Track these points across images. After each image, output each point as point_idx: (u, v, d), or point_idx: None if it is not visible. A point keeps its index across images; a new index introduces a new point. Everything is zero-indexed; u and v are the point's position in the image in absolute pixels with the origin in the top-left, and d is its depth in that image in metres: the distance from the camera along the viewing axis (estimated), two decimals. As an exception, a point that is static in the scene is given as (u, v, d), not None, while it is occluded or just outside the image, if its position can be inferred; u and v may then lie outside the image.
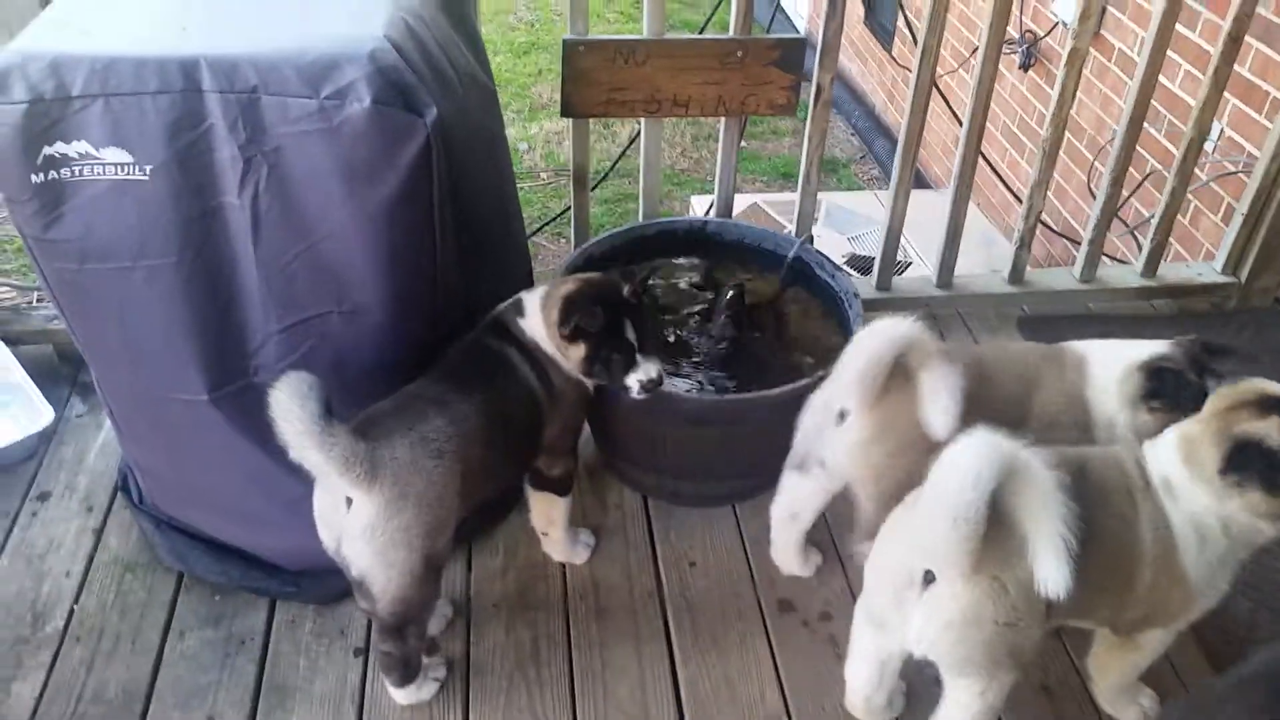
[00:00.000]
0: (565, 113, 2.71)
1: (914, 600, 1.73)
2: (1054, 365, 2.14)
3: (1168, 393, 2.02)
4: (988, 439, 1.58)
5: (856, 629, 2.01)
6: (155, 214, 1.91)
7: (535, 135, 6.55)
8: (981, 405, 1.92)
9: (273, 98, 1.82)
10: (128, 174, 1.88)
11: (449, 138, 1.93)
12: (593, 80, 2.66)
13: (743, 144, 6.75)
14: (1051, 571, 1.59)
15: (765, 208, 4.85)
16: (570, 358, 2.15)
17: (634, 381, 2.15)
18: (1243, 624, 2.35)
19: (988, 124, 5.33)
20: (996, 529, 1.62)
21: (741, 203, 5.03)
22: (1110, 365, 2.11)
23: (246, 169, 1.88)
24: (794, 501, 2.32)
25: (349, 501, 1.89)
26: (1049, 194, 4.80)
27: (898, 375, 1.96)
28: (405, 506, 1.88)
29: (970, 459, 1.57)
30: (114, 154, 1.87)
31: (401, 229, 1.93)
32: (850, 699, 2.13)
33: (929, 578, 1.70)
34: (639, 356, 2.14)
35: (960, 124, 2.98)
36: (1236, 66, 3.48)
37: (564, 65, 2.61)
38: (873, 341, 1.94)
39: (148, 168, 1.87)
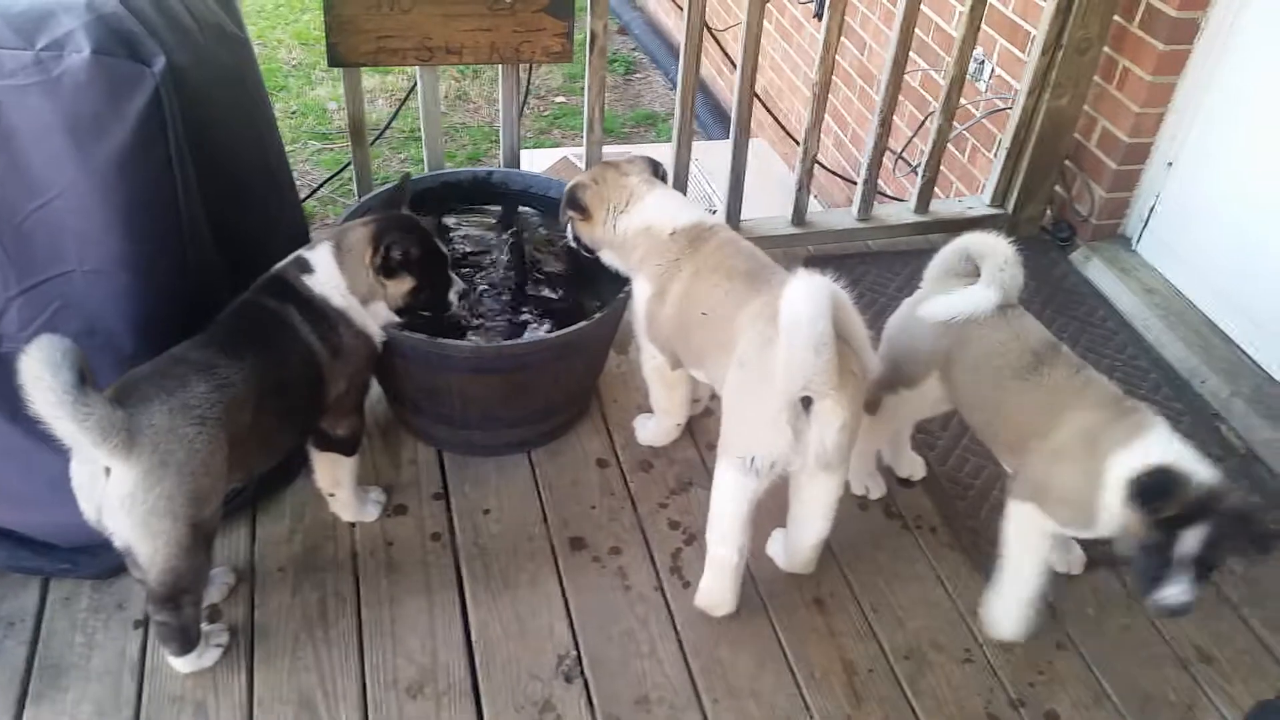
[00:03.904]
0: (332, 62, 2.66)
1: (805, 424, 1.97)
2: None
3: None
4: (813, 280, 1.85)
5: (728, 487, 2.13)
6: None
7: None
8: None
9: (-19, 50, 1.73)
10: None
11: (188, 87, 1.88)
12: (358, 28, 2.60)
13: (562, 99, 6.81)
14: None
15: (575, 160, 4.86)
16: (392, 295, 2.19)
17: (454, 295, 2.29)
18: (975, 478, 2.63)
19: (791, 76, 5.54)
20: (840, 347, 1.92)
21: (554, 156, 5.03)
22: None
23: (-37, 126, 1.79)
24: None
25: (107, 471, 1.83)
26: (847, 142, 5.02)
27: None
28: (166, 475, 1.83)
29: (811, 299, 1.83)
30: None
31: (136, 183, 1.87)
32: (722, 555, 2.21)
33: (807, 403, 1.95)
34: (451, 272, 2.28)
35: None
36: (1001, 7, 3.69)
37: (326, 13, 2.55)
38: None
39: None
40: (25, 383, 1.67)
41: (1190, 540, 1.82)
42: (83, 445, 1.76)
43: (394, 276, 2.17)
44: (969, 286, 2.21)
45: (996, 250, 2.20)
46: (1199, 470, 1.88)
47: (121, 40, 1.76)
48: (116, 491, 1.83)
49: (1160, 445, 1.94)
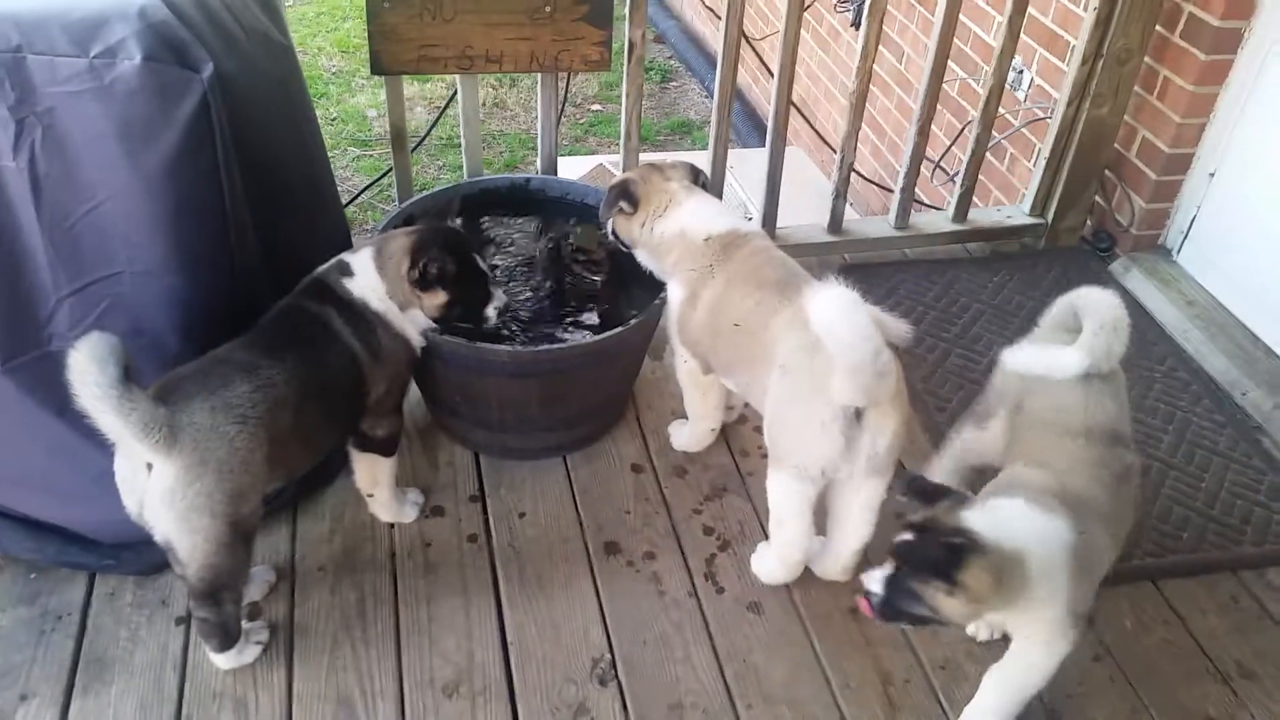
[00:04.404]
0: (375, 70, 2.70)
1: (856, 431, 2.02)
2: None
3: None
4: (843, 296, 1.87)
5: (789, 497, 2.19)
6: (-76, 183, 1.85)
7: (385, 102, 6.45)
8: None
9: (39, 57, 1.78)
10: (-111, 142, 1.81)
11: (235, 94, 1.91)
12: (401, 37, 2.64)
13: (598, 107, 6.84)
14: None
15: (610, 167, 4.88)
16: (427, 306, 2.21)
17: (492, 311, 2.30)
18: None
19: (828, 85, 5.54)
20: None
21: (589, 163, 5.06)
22: None
23: (20, 131, 1.84)
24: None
25: (149, 467, 1.87)
26: (884, 150, 5.00)
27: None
28: (205, 472, 1.87)
29: (852, 319, 1.87)
30: None
31: (185, 187, 1.91)
32: (791, 558, 2.32)
33: (859, 413, 2.01)
34: (490, 288, 2.29)
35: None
36: (1041, 17, 3.67)
37: (370, 22, 2.59)
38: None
39: (-91, 134, 1.80)
40: (72, 378, 1.71)
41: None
42: (126, 440, 1.80)
43: (429, 290, 2.20)
44: (1065, 346, 2.11)
45: (1100, 310, 2.08)
46: (976, 517, 1.78)
47: (171, 47, 1.80)
48: (157, 487, 1.87)
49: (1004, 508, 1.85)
